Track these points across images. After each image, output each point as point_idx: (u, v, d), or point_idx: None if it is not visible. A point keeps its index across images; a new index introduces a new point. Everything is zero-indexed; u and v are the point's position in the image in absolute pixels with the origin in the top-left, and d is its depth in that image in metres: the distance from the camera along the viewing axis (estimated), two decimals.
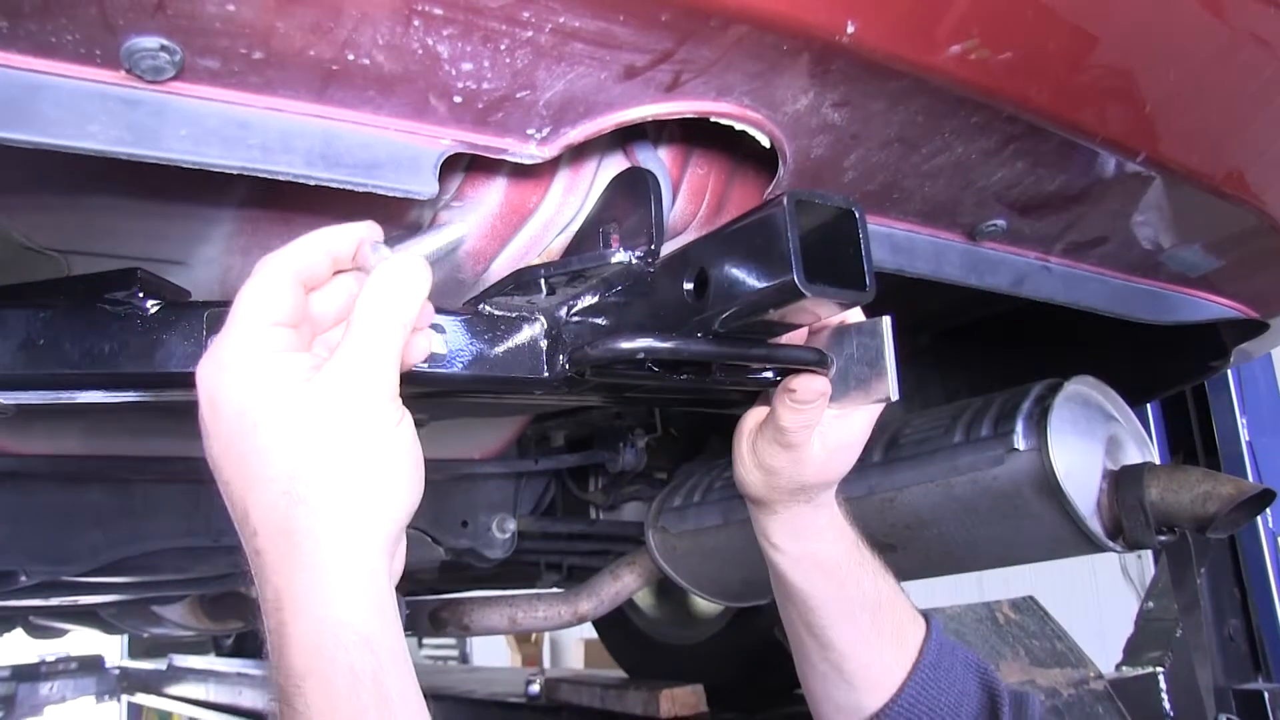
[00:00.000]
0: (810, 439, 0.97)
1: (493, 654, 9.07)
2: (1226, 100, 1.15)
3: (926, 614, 1.13)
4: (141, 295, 0.86)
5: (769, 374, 0.95)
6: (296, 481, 0.69)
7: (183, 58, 0.69)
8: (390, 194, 0.80)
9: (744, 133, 0.94)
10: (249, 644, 4.46)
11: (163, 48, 0.68)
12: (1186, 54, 1.07)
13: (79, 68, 0.69)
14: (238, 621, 2.93)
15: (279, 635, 0.69)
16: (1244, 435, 2.63)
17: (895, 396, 0.93)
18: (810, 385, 0.91)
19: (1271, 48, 1.16)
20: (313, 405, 0.70)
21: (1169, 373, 1.76)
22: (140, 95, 0.71)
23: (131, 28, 0.67)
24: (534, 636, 8.69)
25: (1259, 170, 1.23)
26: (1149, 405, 2.62)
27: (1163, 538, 1.58)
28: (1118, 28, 0.99)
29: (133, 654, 5.54)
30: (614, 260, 0.93)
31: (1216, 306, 1.42)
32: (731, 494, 1.97)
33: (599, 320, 0.93)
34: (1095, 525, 1.56)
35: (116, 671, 5.33)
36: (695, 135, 1.06)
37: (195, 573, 1.88)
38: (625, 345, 0.84)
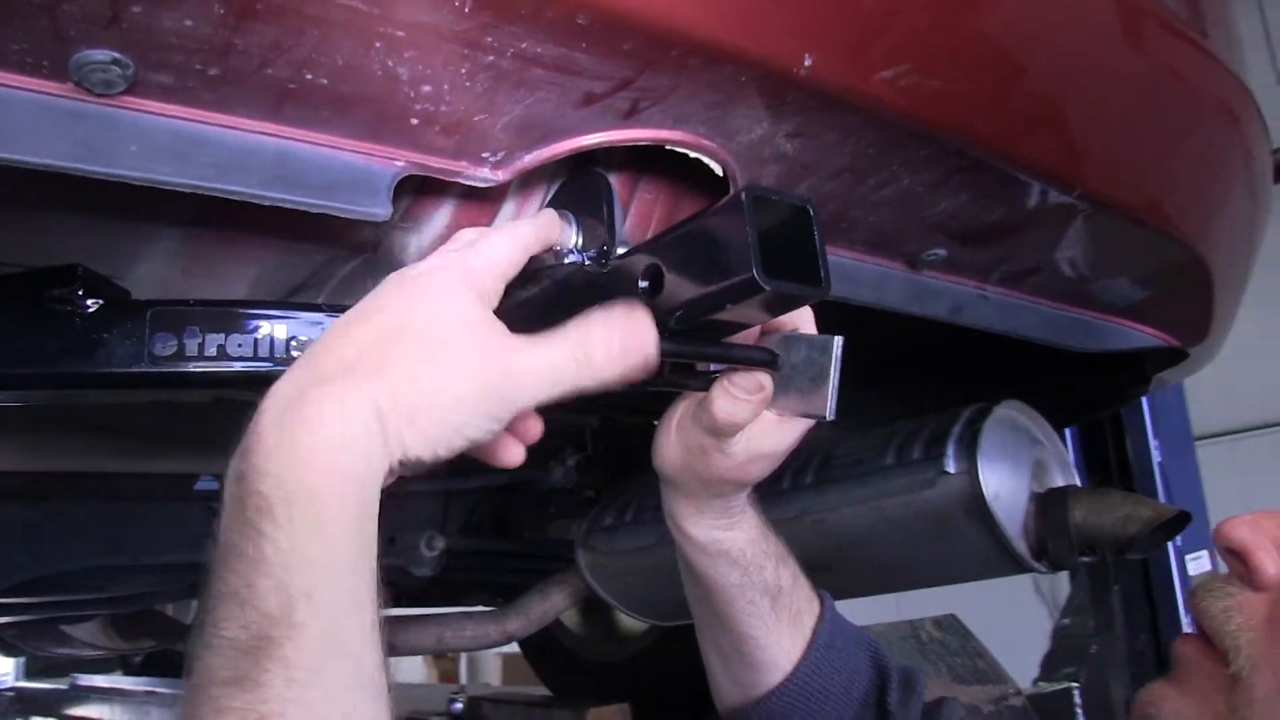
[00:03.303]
0: (736, 434, 0.96)
1: (408, 669, 8.93)
2: (1152, 136, 1.20)
3: (822, 595, 1.15)
4: (82, 293, 0.83)
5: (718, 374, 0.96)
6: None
7: (135, 72, 0.67)
8: (345, 215, 0.79)
9: (693, 160, 0.95)
10: (159, 662, 4.32)
11: (115, 61, 0.66)
12: (1111, 88, 1.12)
13: (23, 78, 0.67)
14: (150, 640, 2.84)
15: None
16: (1156, 458, 2.71)
17: (831, 416, 0.94)
18: (752, 377, 0.91)
19: (1187, 82, 1.22)
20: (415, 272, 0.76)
21: (1092, 398, 1.81)
22: (89, 109, 0.69)
23: (83, 40, 0.65)
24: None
25: (1184, 205, 1.28)
26: (1067, 429, 2.69)
27: (1085, 559, 1.62)
28: (1045, 61, 1.03)
29: (29, 674, 5.31)
30: (567, 262, 0.93)
31: (1142, 335, 1.47)
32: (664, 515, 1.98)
33: (551, 323, 0.92)
34: (1021, 547, 1.59)
35: (10, 693, 5.10)
36: (644, 161, 1.07)
37: (112, 592, 1.82)
38: None
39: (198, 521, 1.81)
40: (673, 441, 1.02)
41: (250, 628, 0.61)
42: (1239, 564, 0.74)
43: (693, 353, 0.87)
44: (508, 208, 1.01)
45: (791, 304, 0.83)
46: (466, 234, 0.84)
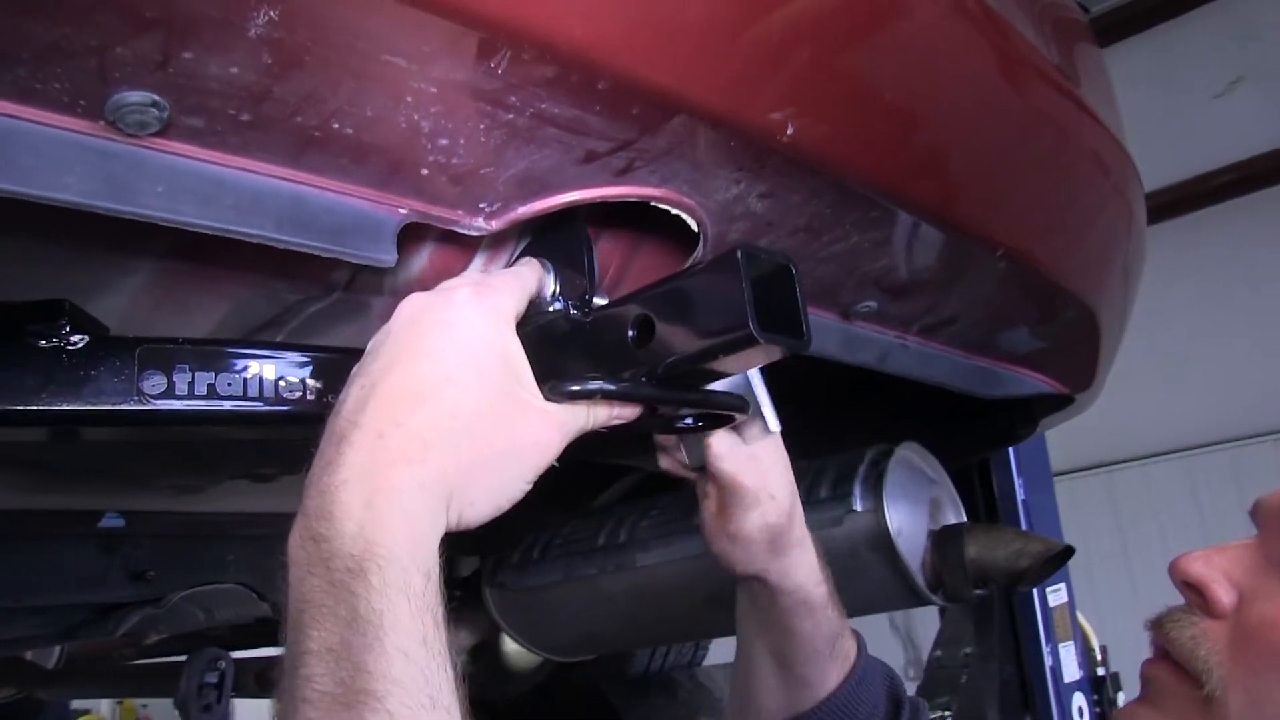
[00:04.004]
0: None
1: (255, 712, 8.57)
2: (1057, 199, 1.32)
3: (855, 631, 1.22)
4: (68, 329, 0.82)
5: (689, 420, 1.01)
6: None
7: (170, 114, 0.68)
8: (354, 260, 0.81)
9: (651, 211, 0.99)
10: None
11: (154, 103, 0.67)
12: (1027, 166, 1.23)
13: (56, 116, 0.66)
14: (8, 688, 2.68)
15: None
16: (1020, 495, 2.87)
17: (776, 428, 1.03)
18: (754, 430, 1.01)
19: (1086, 152, 1.34)
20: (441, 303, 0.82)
21: (981, 439, 1.94)
22: (118, 148, 0.69)
23: (126, 81, 0.65)
24: None
25: (1079, 263, 1.41)
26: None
27: (979, 591, 1.73)
28: (987, 143, 1.12)
29: None
30: (551, 310, 0.96)
31: (1036, 382, 1.59)
32: (573, 550, 2.00)
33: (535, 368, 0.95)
34: (920, 580, 1.69)
35: None
36: (608, 213, 1.11)
37: None
38: (575, 387, 0.85)
39: (92, 560, 1.74)
40: (737, 550, 1.10)
41: (348, 683, 0.64)
42: (1196, 596, 0.84)
43: (680, 399, 0.92)
44: (480, 256, 1.04)
45: (776, 355, 0.88)
46: (472, 275, 0.87)
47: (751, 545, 1.07)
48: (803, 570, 1.11)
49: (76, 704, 7.54)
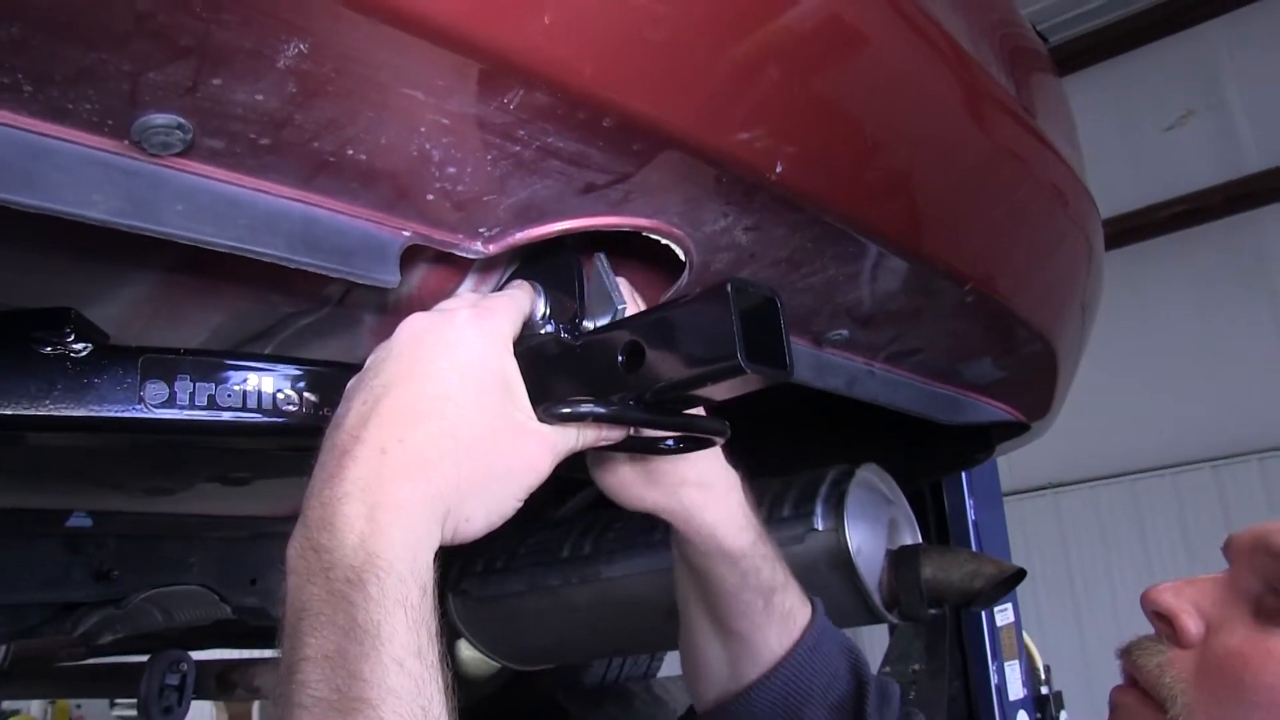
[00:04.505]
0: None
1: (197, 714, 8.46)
2: (1023, 239, 1.37)
3: (813, 600, 1.20)
4: (72, 337, 0.84)
5: (670, 441, 1.04)
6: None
7: (193, 136, 0.70)
8: (361, 281, 0.83)
9: (638, 237, 1.03)
10: None
11: (179, 126, 0.69)
12: (996, 210, 1.28)
13: (84, 135, 0.69)
14: None
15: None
16: (971, 515, 2.94)
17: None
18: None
19: (1052, 193, 1.40)
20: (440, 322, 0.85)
21: (939, 463, 1.99)
22: (140, 167, 0.71)
23: (154, 104, 0.67)
24: None
25: (1041, 299, 1.46)
26: None
27: (933, 611, 1.78)
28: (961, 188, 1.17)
29: None
30: (541, 332, 0.99)
31: (995, 410, 1.65)
32: (538, 561, 2.03)
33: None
34: (877, 599, 1.74)
35: None
36: (595, 237, 1.14)
37: None
38: (567, 410, 0.88)
39: (56, 559, 1.73)
40: (608, 475, 1.09)
41: (343, 689, 0.66)
42: (1166, 626, 0.88)
43: (666, 422, 0.95)
44: (471, 277, 1.07)
45: (759, 384, 0.92)
46: (469, 296, 0.90)
47: (621, 470, 1.07)
48: (713, 513, 1.08)
49: (7, 704, 7.41)
